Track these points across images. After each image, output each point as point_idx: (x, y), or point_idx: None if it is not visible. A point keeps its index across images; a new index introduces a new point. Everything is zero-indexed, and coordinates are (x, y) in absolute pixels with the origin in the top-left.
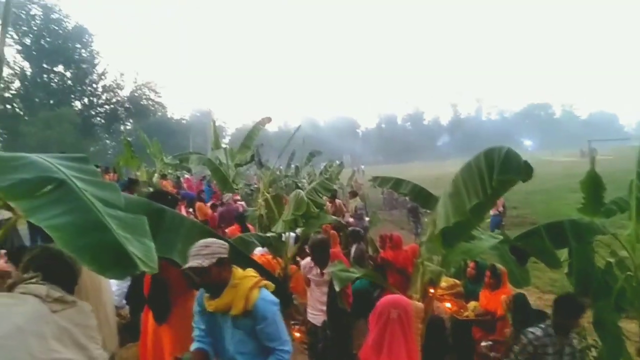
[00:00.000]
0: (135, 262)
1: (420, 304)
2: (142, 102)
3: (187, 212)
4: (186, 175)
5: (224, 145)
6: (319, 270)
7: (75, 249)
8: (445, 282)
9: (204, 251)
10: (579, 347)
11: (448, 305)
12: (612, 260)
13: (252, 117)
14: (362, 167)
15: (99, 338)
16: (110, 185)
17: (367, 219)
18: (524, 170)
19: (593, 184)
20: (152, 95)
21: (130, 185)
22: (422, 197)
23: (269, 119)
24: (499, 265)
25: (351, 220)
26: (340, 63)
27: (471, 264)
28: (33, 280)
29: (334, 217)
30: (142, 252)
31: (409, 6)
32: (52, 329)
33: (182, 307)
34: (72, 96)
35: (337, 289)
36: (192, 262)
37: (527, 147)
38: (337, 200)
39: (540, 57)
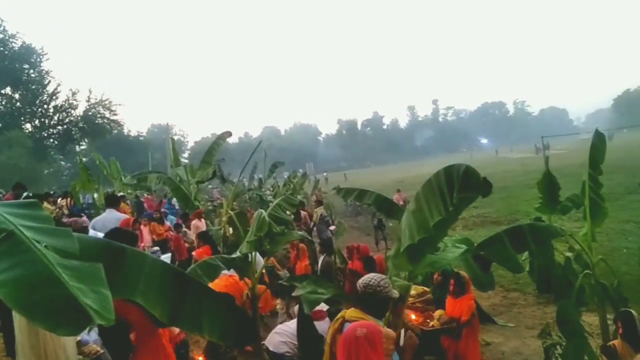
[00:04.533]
0: (89, 316)
1: (392, 333)
2: (96, 121)
3: None
4: (146, 195)
5: (184, 161)
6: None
7: (24, 307)
8: (414, 289)
9: None
10: (545, 345)
11: (413, 317)
12: (570, 255)
13: (211, 129)
14: (325, 174)
15: None
16: (64, 232)
17: (332, 227)
18: (484, 187)
19: (549, 184)
20: (107, 114)
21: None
22: (385, 207)
23: (229, 134)
24: (463, 273)
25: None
26: (298, 70)
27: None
28: None
29: (300, 232)
30: (97, 303)
31: (363, 12)
32: None
33: (148, 347)
34: (22, 119)
35: (306, 311)
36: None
37: (484, 145)
38: (303, 212)
39: (492, 55)
